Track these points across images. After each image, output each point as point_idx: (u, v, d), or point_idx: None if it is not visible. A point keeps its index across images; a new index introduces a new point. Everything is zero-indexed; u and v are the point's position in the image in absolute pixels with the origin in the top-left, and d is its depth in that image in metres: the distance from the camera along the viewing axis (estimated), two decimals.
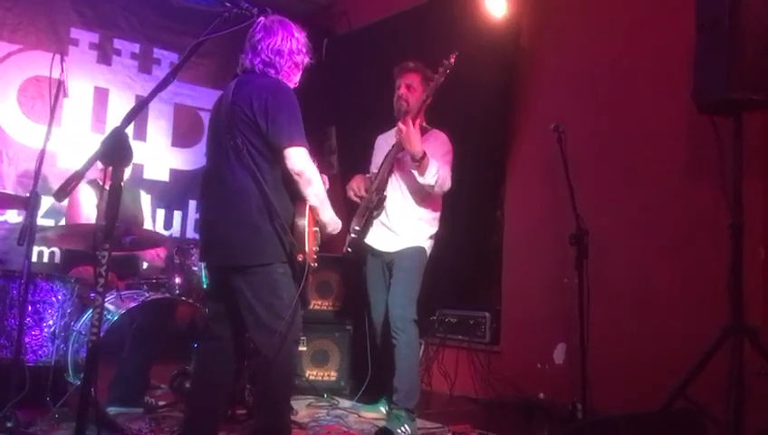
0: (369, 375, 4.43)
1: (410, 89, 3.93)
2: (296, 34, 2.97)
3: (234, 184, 2.80)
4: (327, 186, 3.50)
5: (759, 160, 3.36)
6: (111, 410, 3.46)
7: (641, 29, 4.02)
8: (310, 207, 2.89)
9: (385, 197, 3.89)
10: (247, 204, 2.77)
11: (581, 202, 3.51)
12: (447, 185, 3.82)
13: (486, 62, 4.64)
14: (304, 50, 3.02)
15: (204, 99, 5.68)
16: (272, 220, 2.76)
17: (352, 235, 3.92)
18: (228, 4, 2.26)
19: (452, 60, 3.64)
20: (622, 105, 4.08)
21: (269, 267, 2.77)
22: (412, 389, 3.78)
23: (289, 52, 2.94)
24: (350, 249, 3.97)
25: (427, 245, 3.95)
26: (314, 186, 2.87)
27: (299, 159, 2.79)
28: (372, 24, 5.80)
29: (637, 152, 3.98)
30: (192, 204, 5.66)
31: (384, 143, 4.10)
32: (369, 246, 3.98)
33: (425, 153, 3.66)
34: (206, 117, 5.30)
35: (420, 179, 3.72)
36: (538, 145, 4.42)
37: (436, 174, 3.71)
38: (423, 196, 3.89)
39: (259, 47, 2.90)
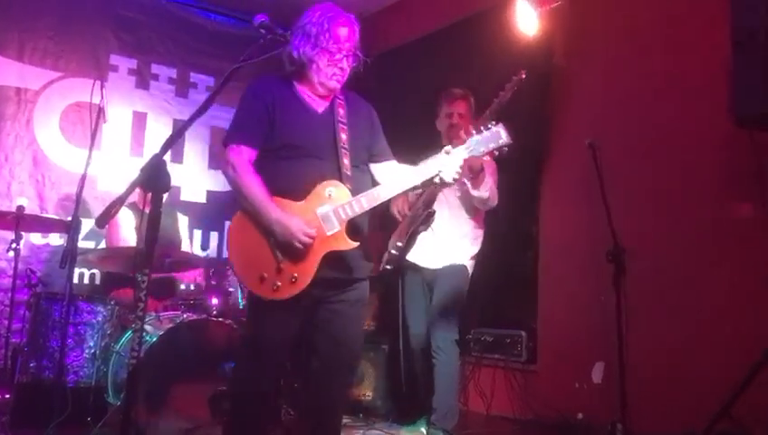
0: (404, 395, 4.40)
1: (462, 117, 3.92)
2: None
3: None
4: None
5: None
6: None
7: (675, 44, 3.97)
8: (244, 212, 2.62)
9: (434, 212, 3.84)
10: None
11: (617, 219, 3.47)
12: (495, 201, 3.81)
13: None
14: (315, 29, 2.72)
15: None
16: None
17: (393, 251, 3.84)
18: (263, 31, 2.30)
19: (522, 76, 3.55)
20: (657, 121, 4.02)
21: None
22: (451, 409, 3.76)
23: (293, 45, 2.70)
24: (389, 266, 3.87)
25: (469, 264, 3.94)
26: (242, 188, 2.57)
27: (223, 157, 2.62)
28: (405, 44, 5.83)
29: (673, 168, 3.92)
30: (228, 225, 5.72)
31: None
32: (409, 262, 3.95)
33: (482, 166, 3.64)
34: None
35: (474, 192, 3.70)
36: (572, 161, 4.38)
37: (489, 189, 3.71)
38: (469, 212, 3.91)
39: None
